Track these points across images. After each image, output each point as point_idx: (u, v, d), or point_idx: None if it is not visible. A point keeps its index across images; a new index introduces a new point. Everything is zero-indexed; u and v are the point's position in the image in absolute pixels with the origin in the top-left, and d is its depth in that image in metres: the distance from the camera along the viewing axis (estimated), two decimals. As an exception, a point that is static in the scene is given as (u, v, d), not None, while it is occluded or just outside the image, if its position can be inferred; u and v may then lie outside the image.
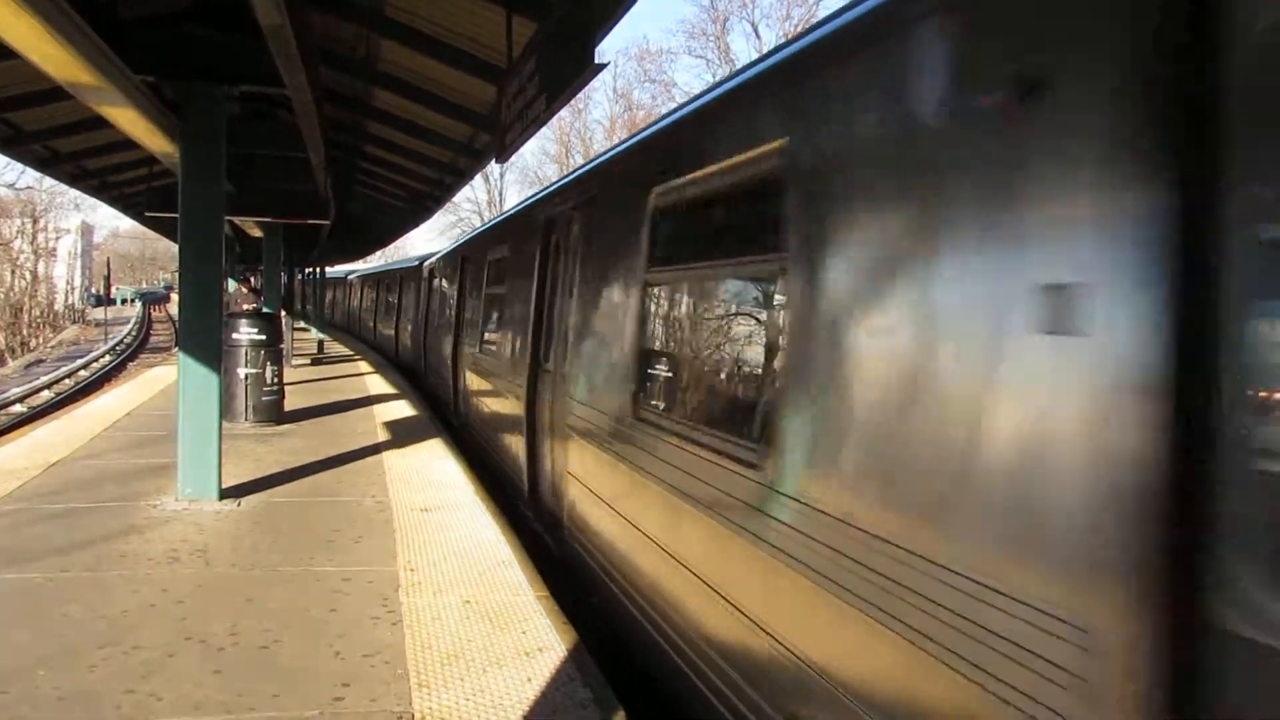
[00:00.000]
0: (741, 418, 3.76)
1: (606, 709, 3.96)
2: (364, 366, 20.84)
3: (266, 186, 13.30)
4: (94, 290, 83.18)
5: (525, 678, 4.24)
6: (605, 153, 6.98)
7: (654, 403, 4.68)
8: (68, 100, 7.36)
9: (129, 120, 6.95)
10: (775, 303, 3.46)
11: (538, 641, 4.68)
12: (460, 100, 9.24)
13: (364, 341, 29.97)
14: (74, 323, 66.31)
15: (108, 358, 32.98)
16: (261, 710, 3.84)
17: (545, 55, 4.77)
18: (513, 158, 6.37)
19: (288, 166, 12.22)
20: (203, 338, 7.41)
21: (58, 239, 70.32)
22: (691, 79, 79.37)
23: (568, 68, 4.24)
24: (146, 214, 15.77)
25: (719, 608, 3.64)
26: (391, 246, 40.76)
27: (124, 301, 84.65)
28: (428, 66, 8.56)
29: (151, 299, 79.77)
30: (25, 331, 52.79)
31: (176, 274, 8.09)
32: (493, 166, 56.56)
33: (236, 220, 16.38)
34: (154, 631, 4.64)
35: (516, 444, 7.86)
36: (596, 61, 3.82)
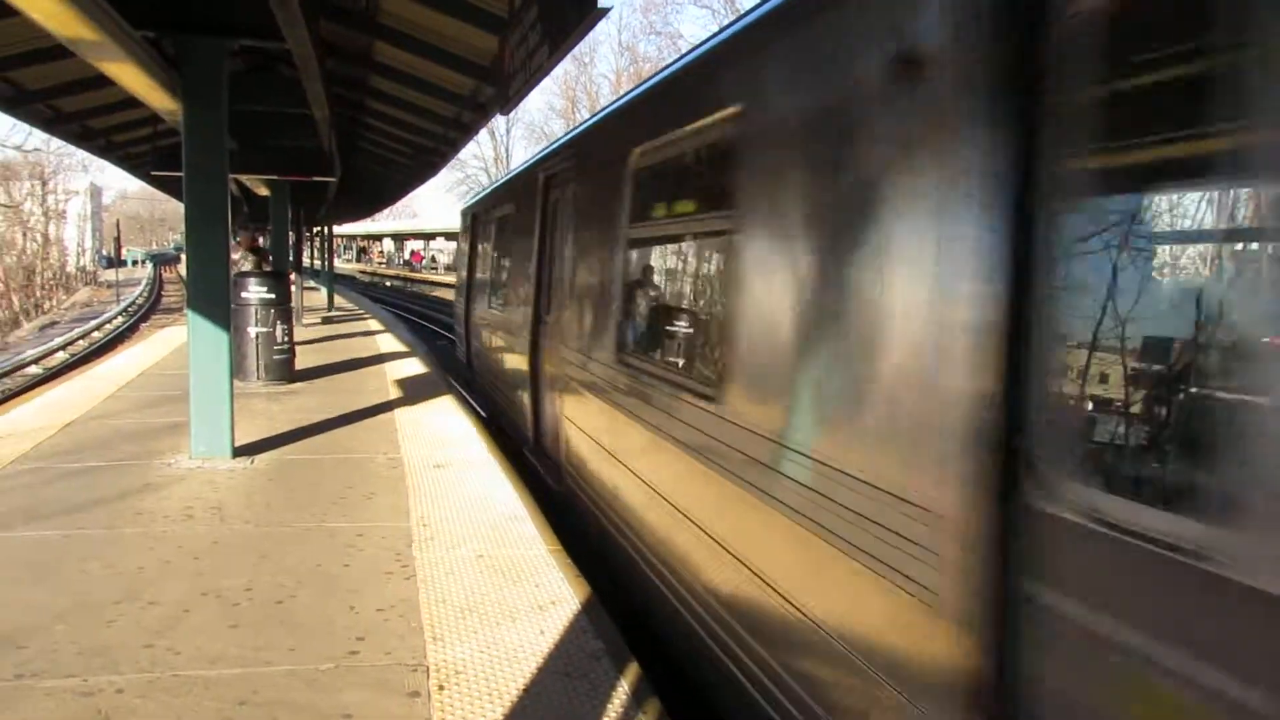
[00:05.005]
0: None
1: (619, 660, 3.99)
2: (374, 325, 20.85)
3: (271, 144, 13.20)
4: (104, 252, 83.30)
5: (539, 630, 4.27)
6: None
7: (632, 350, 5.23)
8: (70, 58, 7.26)
9: (130, 77, 6.86)
10: None
11: (551, 595, 4.71)
12: (462, 52, 9.08)
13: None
14: (86, 285, 66.45)
15: (120, 319, 33.03)
16: (278, 664, 3.88)
17: (547, 3, 4.67)
18: (519, 112, 6.38)
19: (292, 123, 12.11)
20: (211, 296, 7.39)
21: (67, 201, 70.13)
22: (698, 30, 78.16)
23: (570, 14, 4.14)
24: (152, 173, 15.71)
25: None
26: (400, 204, 40.53)
27: (134, 263, 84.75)
28: (429, 18, 8.39)
29: (162, 260, 79.91)
30: (39, 294, 52.93)
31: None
32: (499, 122, 56.00)
33: (244, 179, 16.29)
34: (170, 587, 4.69)
35: (524, 394, 8.26)
36: (600, 5, 3.72)
